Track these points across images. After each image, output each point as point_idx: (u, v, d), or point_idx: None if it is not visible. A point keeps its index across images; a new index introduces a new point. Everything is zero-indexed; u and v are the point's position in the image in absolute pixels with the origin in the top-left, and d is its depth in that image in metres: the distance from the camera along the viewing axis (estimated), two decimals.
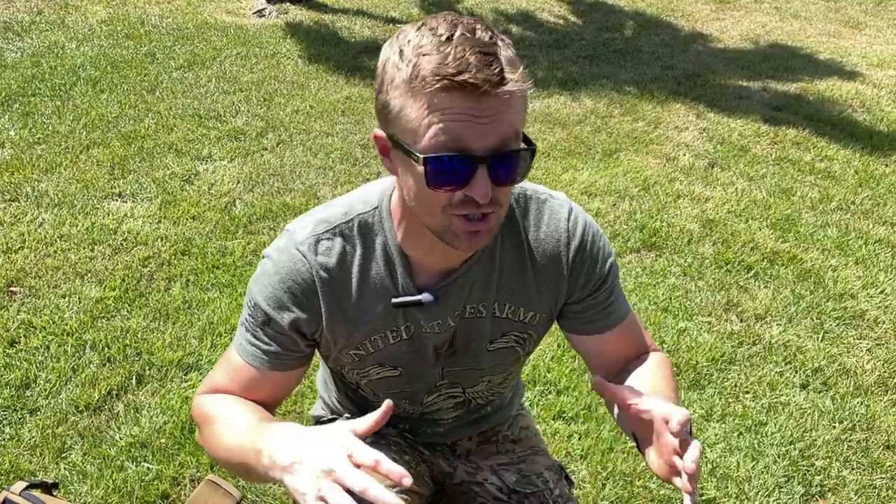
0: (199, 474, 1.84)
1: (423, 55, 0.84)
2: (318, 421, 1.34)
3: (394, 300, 1.05)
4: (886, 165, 3.68)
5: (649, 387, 1.06)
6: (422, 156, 0.87)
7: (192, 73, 4.38)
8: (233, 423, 1.01)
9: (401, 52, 0.86)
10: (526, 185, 1.11)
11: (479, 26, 0.86)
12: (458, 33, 0.84)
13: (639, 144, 3.78)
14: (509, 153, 0.88)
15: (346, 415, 1.29)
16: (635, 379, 1.13)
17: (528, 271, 1.10)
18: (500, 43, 0.86)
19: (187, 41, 4.89)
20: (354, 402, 1.29)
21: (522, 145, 0.90)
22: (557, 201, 1.11)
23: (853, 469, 1.97)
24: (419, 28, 0.87)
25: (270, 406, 1.14)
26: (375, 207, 1.06)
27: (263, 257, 1.08)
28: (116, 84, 4.14)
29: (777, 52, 5.37)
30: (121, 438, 1.94)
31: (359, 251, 1.05)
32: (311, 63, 4.64)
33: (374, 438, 1.20)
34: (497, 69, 0.82)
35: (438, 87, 0.82)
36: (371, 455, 0.80)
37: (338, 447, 0.83)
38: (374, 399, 1.25)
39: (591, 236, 1.11)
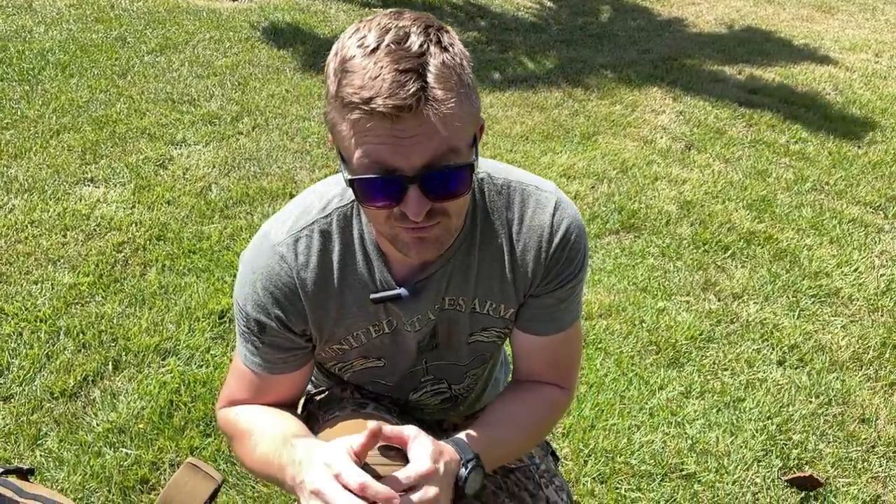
0: (178, 459, 1.82)
1: (346, 72, 0.81)
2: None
3: (372, 296, 1.03)
4: (859, 147, 3.73)
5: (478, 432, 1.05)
6: (349, 177, 0.85)
7: (165, 57, 4.30)
8: (262, 438, 1.03)
9: (334, 60, 0.83)
10: (511, 176, 1.07)
11: (414, 30, 0.81)
12: (384, 43, 0.80)
13: (616, 127, 3.79)
14: (442, 171, 0.84)
15: (337, 388, 1.27)
16: (489, 413, 1.11)
17: (508, 266, 1.06)
18: (432, 50, 0.81)
19: (159, 25, 4.79)
20: (338, 382, 1.28)
21: (470, 156, 0.87)
22: (545, 194, 1.06)
23: (829, 442, 2.01)
24: (354, 32, 0.83)
25: (293, 401, 1.15)
26: (353, 200, 1.03)
27: (242, 262, 1.06)
28: (86, 68, 4.05)
29: (751, 37, 5.40)
30: (98, 424, 1.90)
31: (338, 247, 1.03)
32: (286, 47, 4.57)
33: (375, 405, 1.20)
34: (411, 90, 0.78)
35: (355, 114, 0.80)
36: (357, 479, 0.84)
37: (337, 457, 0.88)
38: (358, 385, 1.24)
39: (574, 236, 1.06)
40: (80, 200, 2.85)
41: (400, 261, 1.03)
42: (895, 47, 5.23)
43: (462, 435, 1.03)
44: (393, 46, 0.79)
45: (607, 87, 4.28)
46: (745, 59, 4.88)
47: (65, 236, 2.63)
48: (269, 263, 1.02)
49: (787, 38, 5.40)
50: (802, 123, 3.94)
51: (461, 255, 1.05)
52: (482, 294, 1.08)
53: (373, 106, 0.78)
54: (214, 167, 3.15)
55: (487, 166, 1.07)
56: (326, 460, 0.87)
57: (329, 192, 1.05)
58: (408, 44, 0.80)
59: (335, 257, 1.03)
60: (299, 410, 1.32)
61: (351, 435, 1.04)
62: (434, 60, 0.81)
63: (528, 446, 1.21)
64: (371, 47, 0.80)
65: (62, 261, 2.51)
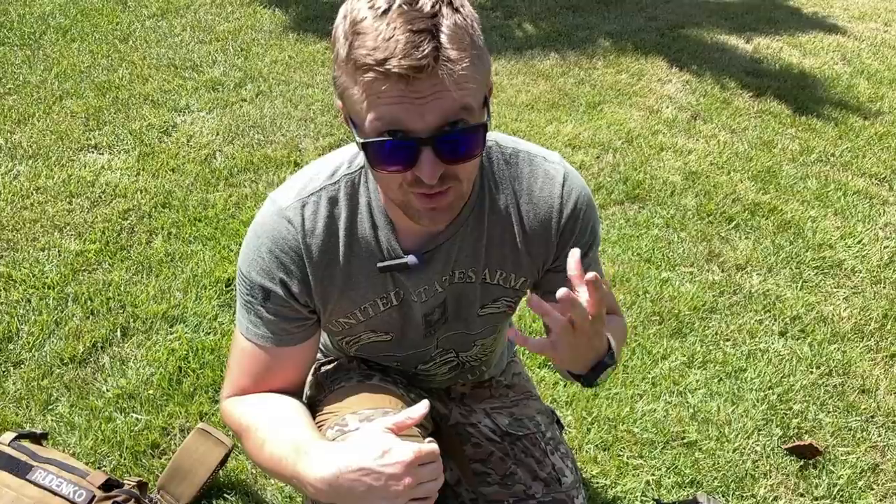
0: (188, 424, 1.84)
1: (358, 34, 0.80)
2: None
3: (379, 264, 1.03)
4: (866, 118, 3.70)
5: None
6: (361, 140, 0.85)
7: (166, 21, 4.25)
8: (268, 436, 1.00)
9: (344, 23, 0.82)
10: (519, 144, 1.08)
11: None
12: (396, 4, 0.79)
13: (622, 97, 3.76)
14: (456, 132, 0.83)
15: (345, 359, 1.29)
16: None
17: (518, 236, 1.07)
18: (444, 10, 0.80)
19: None
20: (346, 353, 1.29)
21: (483, 117, 0.86)
22: (553, 165, 1.07)
23: (829, 412, 2.03)
24: None
25: (298, 384, 1.13)
26: (362, 167, 1.03)
27: (248, 231, 1.05)
28: (87, 33, 4.01)
29: (760, 4, 5.32)
30: (108, 390, 1.93)
31: (345, 213, 1.02)
32: (288, 12, 4.52)
33: (381, 376, 1.21)
34: (426, 50, 0.77)
35: (369, 76, 0.79)
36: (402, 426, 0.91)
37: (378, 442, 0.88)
38: (365, 358, 1.25)
39: (584, 206, 1.08)
40: (85, 167, 2.85)
41: (408, 229, 1.03)
42: None
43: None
44: (405, 7, 0.79)
45: (613, 56, 4.23)
46: (753, 27, 4.82)
47: (70, 203, 2.64)
48: (276, 227, 1.01)
49: (795, 5, 5.32)
50: (809, 93, 3.91)
51: (471, 225, 1.05)
52: (493, 264, 1.09)
53: (388, 67, 0.78)
54: (218, 134, 3.13)
55: (495, 136, 1.07)
56: (379, 443, 0.88)
57: (337, 159, 1.05)
58: (419, 4, 0.80)
59: (342, 224, 1.02)
60: (307, 378, 1.34)
61: (372, 412, 1.06)
62: (447, 21, 0.80)
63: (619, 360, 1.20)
64: (382, 9, 0.79)
65: (68, 227, 2.51)
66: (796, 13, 5.18)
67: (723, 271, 2.56)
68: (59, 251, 2.40)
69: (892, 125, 3.63)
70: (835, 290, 2.50)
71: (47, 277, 2.28)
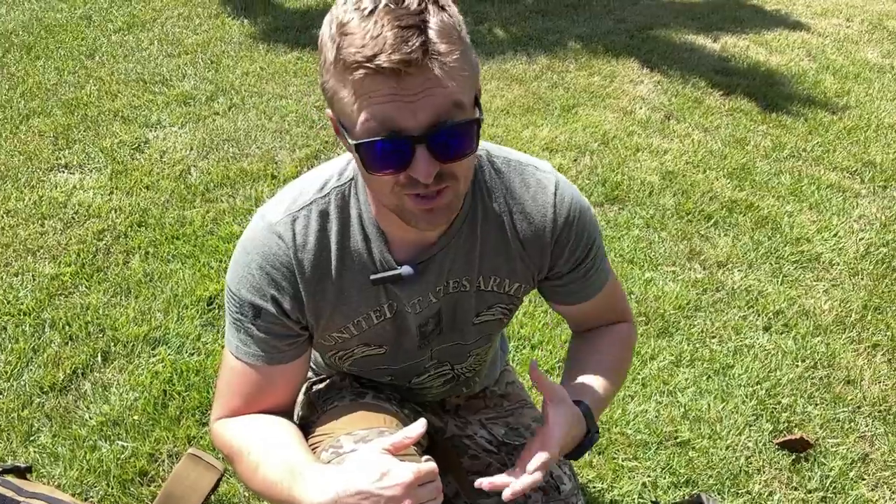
0: (176, 449, 1.80)
1: (345, 35, 0.79)
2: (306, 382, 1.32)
3: (372, 277, 1.02)
4: (834, 113, 3.77)
5: (583, 386, 1.14)
6: (353, 142, 0.83)
7: (133, 35, 4.18)
8: (261, 459, 0.99)
9: (330, 28, 0.82)
10: (510, 154, 1.07)
11: None
12: (382, 4, 0.78)
13: (596, 99, 3.79)
14: (449, 128, 0.82)
15: (336, 376, 1.27)
16: (580, 366, 1.18)
17: (512, 243, 1.07)
18: (430, 8, 0.80)
19: (124, 2, 4.65)
20: (338, 371, 1.28)
21: (475, 114, 0.85)
22: (544, 174, 1.07)
23: (817, 405, 2.06)
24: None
25: (289, 402, 1.12)
26: (351, 179, 1.01)
27: (237, 246, 1.03)
28: (53, 50, 3.93)
29: (724, 4, 5.40)
30: (91, 418, 1.88)
31: (336, 227, 1.00)
32: (257, 23, 4.47)
33: (374, 393, 1.19)
34: (415, 45, 0.77)
35: (359, 74, 0.78)
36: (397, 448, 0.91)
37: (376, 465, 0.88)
38: (357, 374, 1.24)
39: (577, 214, 1.07)
40: (56, 188, 2.78)
41: (400, 241, 1.02)
42: (866, 11, 5.28)
43: (588, 402, 1.09)
44: (391, 6, 0.78)
45: (585, 58, 4.26)
46: (719, 26, 4.89)
47: (42, 225, 2.57)
48: (266, 243, 0.99)
49: (759, 3, 5.41)
50: (778, 90, 3.98)
51: (465, 234, 1.04)
52: (487, 271, 1.08)
53: (377, 63, 0.77)
54: (192, 149, 3.08)
55: (486, 146, 1.07)
56: (377, 464, 0.89)
57: (326, 172, 1.03)
58: (406, 3, 0.79)
59: (333, 238, 1.00)
60: (299, 398, 1.32)
61: (369, 435, 1.04)
62: (434, 18, 0.80)
63: (619, 388, 1.26)
64: (368, 9, 0.78)
65: (42, 251, 2.45)
66: (760, 11, 5.26)
67: (704, 269, 2.58)
68: (33, 276, 2.34)
69: (859, 119, 3.70)
70: (814, 283, 2.54)
71: (22, 303, 2.22)
